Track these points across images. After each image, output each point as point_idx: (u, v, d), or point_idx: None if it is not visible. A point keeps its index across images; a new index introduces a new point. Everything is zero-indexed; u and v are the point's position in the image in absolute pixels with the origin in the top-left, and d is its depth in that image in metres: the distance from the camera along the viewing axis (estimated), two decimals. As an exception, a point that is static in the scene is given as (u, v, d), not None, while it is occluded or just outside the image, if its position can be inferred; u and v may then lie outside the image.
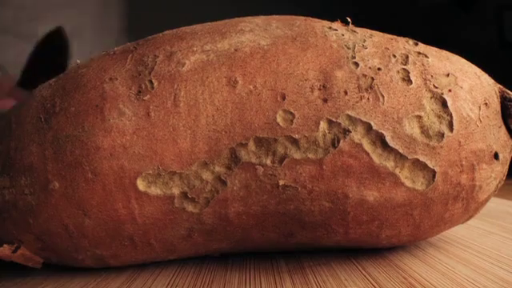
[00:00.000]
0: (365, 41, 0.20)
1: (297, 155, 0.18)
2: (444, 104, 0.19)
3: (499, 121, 0.21)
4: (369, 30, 0.22)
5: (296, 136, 0.18)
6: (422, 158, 0.19)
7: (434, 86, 0.19)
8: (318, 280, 0.20)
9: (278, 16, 0.22)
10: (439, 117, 0.19)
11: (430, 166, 0.19)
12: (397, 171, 0.19)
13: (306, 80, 0.19)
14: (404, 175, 0.19)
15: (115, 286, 0.20)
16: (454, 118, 0.19)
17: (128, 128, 0.18)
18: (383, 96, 0.19)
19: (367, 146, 0.18)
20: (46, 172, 0.19)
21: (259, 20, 0.22)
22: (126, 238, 0.20)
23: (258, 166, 0.18)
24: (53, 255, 0.21)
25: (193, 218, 0.19)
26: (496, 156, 0.20)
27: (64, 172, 0.19)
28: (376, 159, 0.19)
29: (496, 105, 0.21)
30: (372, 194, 0.19)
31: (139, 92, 0.19)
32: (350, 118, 0.18)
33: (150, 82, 0.19)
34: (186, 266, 0.22)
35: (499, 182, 0.22)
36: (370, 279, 0.20)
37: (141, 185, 0.19)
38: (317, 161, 0.18)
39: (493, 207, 0.34)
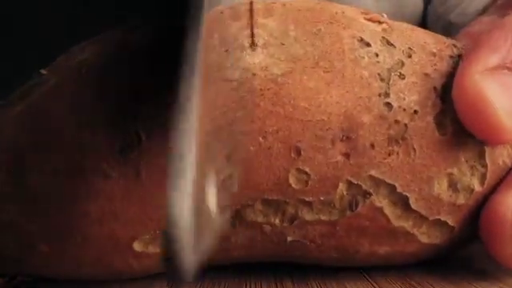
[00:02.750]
0: (403, 65, 0.17)
1: (308, 217, 0.17)
2: (481, 155, 0.17)
3: None
4: (409, 36, 0.18)
5: (309, 199, 0.16)
6: (443, 218, 0.17)
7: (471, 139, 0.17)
8: (319, 282, 0.20)
9: (296, 6, 0.18)
10: (472, 169, 0.17)
11: (450, 223, 0.17)
12: (414, 230, 0.17)
13: (327, 130, 0.16)
14: (420, 232, 0.17)
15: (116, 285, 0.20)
16: (489, 170, 0.17)
17: (116, 193, 0.16)
18: (415, 150, 0.16)
19: (387, 209, 0.17)
20: (32, 234, 0.17)
21: (274, 22, 0.17)
22: (125, 276, 0.19)
23: (264, 225, 0.17)
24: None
25: None
26: None
27: (51, 235, 0.17)
28: (394, 221, 0.17)
29: None
30: (384, 249, 0.18)
31: (124, 148, 0.16)
32: (373, 179, 0.16)
33: (137, 134, 0.16)
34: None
35: None
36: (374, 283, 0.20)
37: (137, 247, 0.17)
38: (330, 222, 0.17)
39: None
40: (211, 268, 0.21)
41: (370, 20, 0.18)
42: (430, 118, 0.16)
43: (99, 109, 0.16)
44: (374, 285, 0.19)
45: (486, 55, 0.16)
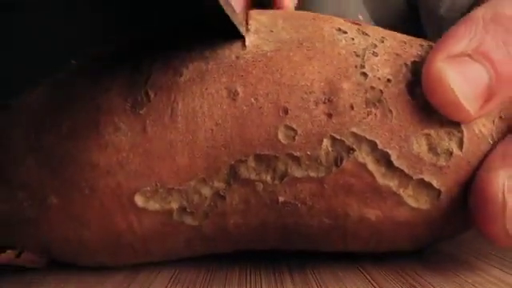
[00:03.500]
0: (376, 46, 0.19)
1: (298, 173, 0.18)
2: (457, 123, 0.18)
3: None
4: (381, 31, 0.21)
5: (297, 154, 0.18)
6: (427, 179, 0.18)
7: None
8: (319, 280, 0.20)
9: (285, 12, 0.22)
10: (449, 134, 0.18)
11: (436, 186, 0.18)
12: (400, 191, 0.18)
13: (310, 93, 0.18)
14: (407, 194, 0.18)
15: (114, 284, 0.20)
16: (465, 136, 0.18)
17: (124, 144, 0.18)
18: (391, 111, 0.18)
19: (371, 166, 0.18)
20: (44, 188, 0.19)
21: (265, 18, 0.20)
22: (125, 246, 0.20)
23: (257, 183, 0.18)
24: (57, 257, 0.21)
25: (192, 229, 0.19)
26: None
27: (61, 188, 0.18)
28: (379, 179, 0.18)
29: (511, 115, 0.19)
30: (373, 213, 0.18)
31: (135, 105, 0.18)
32: (354, 135, 0.18)
33: (146, 93, 0.18)
34: (185, 266, 0.22)
35: None
36: (371, 280, 0.19)
37: (139, 201, 0.18)
38: (318, 179, 0.18)
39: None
40: (210, 256, 0.22)
41: (347, 21, 0.21)
42: (402, 86, 0.18)
43: (116, 74, 0.19)
44: (373, 283, 0.19)
45: (450, 44, 0.18)
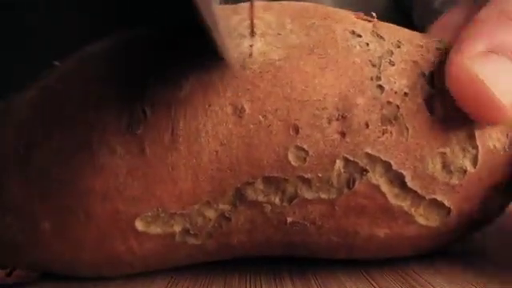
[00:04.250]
0: (392, 53, 0.18)
1: (308, 195, 0.17)
2: (471, 136, 0.18)
3: None
4: (396, 31, 0.19)
5: (308, 176, 0.17)
6: (439, 198, 0.18)
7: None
8: (319, 282, 0.19)
9: (293, 6, 0.19)
10: (463, 150, 0.17)
11: (447, 204, 0.18)
12: (412, 210, 0.18)
13: (323, 109, 0.17)
14: (418, 213, 0.18)
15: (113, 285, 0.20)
16: (480, 152, 0.17)
17: (121, 168, 0.17)
18: (407, 129, 0.17)
19: (384, 187, 0.17)
20: (34, 213, 0.17)
21: (272, 17, 0.19)
22: (125, 266, 0.19)
23: (265, 204, 0.17)
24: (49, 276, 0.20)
25: (195, 247, 0.18)
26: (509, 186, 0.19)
27: (54, 213, 0.17)
28: (391, 199, 0.17)
29: None
30: (383, 231, 0.18)
31: (130, 124, 0.17)
32: (369, 156, 0.17)
33: (143, 111, 0.17)
34: (184, 270, 0.22)
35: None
36: (372, 281, 0.19)
37: (139, 226, 0.17)
38: (329, 201, 0.17)
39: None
40: (210, 263, 0.21)
41: (359, 18, 0.19)
42: (420, 100, 0.17)
43: (108, 87, 0.17)
44: (373, 283, 0.19)
45: (470, 44, 0.17)
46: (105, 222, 0.17)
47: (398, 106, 0.17)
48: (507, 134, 0.18)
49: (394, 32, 0.19)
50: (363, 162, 0.17)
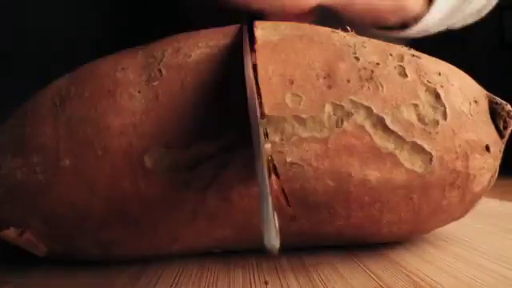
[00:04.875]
0: (364, 42, 0.22)
1: (304, 134, 0.19)
2: (437, 97, 0.21)
3: (488, 119, 0.22)
4: (367, 37, 0.24)
5: (303, 116, 0.19)
6: (419, 142, 0.20)
7: (427, 81, 0.21)
8: (322, 277, 0.20)
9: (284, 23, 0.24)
10: (434, 107, 0.20)
11: (427, 149, 0.20)
12: (396, 152, 0.20)
13: (312, 69, 0.20)
14: (403, 157, 0.20)
15: (119, 284, 0.20)
16: (448, 108, 0.21)
17: (138, 109, 0.19)
18: (382, 86, 0.20)
19: (369, 128, 0.20)
20: (58, 150, 0.20)
21: (268, 23, 0.23)
22: (131, 220, 0.20)
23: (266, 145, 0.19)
24: (57, 243, 0.21)
25: (197, 197, 0.20)
26: (487, 148, 0.21)
27: (75, 150, 0.19)
28: (377, 140, 0.20)
29: (484, 105, 0.22)
30: (373, 174, 0.20)
31: (149, 79, 0.20)
32: (352, 102, 0.20)
33: (159, 70, 0.20)
34: (189, 265, 0.22)
35: (492, 177, 0.22)
36: (374, 276, 0.20)
37: (148, 162, 0.19)
38: (322, 139, 0.19)
39: (494, 208, 0.34)
40: (214, 257, 0.22)
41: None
42: (390, 68, 0.21)
43: (133, 58, 0.21)
44: (375, 279, 0.20)
45: None
46: (118, 156, 0.19)
47: (372, 71, 0.20)
48: (469, 103, 0.21)
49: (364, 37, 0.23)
50: (348, 107, 0.20)
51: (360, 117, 0.20)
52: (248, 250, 0.23)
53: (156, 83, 0.20)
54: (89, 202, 0.20)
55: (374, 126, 0.20)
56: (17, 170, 0.20)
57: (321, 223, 0.21)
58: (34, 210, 0.20)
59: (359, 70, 0.20)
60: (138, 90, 0.20)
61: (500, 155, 0.22)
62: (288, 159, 0.19)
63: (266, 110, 0.19)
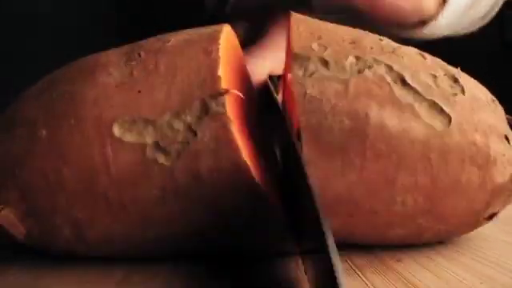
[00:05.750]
0: (381, 40, 0.23)
1: (326, 73, 0.20)
2: (455, 80, 0.21)
3: (505, 120, 0.22)
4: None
5: (327, 58, 0.20)
6: (438, 101, 0.20)
7: (445, 68, 0.22)
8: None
9: None
10: (451, 86, 0.21)
11: (446, 110, 0.20)
12: (416, 105, 0.20)
13: (339, 36, 0.22)
14: (422, 111, 0.20)
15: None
16: (466, 88, 0.21)
17: (112, 84, 0.21)
18: (403, 57, 0.21)
19: (389, 79, 0.20)
20: (37, 122, 0.21)
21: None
22: (100, 195, 0.20)
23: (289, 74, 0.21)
24: (34, 224, 0.21)
25: (165, 172, 0.20)
26: (507, 138, 0.21)
27: (52, 121, 0.21)
28: (396, 91, 0.20)
29: (501, 109, 0.22)
30: (391, 120, 0.20)
31: (127, 60, 0.21)
32: (374, 59, 0.21)
33: (139, 54, 0.22)
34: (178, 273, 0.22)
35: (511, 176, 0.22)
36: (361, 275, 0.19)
37: (117, 131, 0.20)
38: (343, 80, 0.20)
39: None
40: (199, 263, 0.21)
41: None
42: (411, 51, 0.23)
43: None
44: (367, 282, 0.19)
45: None
46: (89, 125, 0.20)
47: (394, 48, 0.22)
48: (487, 96, 0.22)
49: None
50: (370, 61, 0.20)
51: (381, 69, 0.20)
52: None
53: (133, 63, 0.21)
54: (60, 172, 0.20)
55: (394, 80, 0.20)
56: (2, 144, 0.21)
57: (332, 176, 0.20)
58: (12, 182, 0.21)
59: (382, 47, 0.22)
60: (116, 69, 0.21)
61: None
62: (308, 91, 0.20)
63: (294, 50, 0.21)
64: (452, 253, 0.23)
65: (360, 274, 0.20)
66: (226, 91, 0.19)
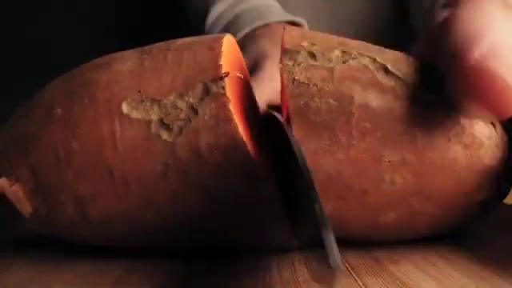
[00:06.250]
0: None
1: (313, 63, 0.22)
2: None
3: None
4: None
5: (315, 52, 0.22)
6: (419, 86, 0.21)
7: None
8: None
9: None
10: None
11: (429, 94, 0.21)
12: (397, 88, 0.21)
13: (328, 37, 0.24)
14: (404, 94, 0.21)
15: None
16: None
17: (125, 71, 0.23)
18: (387, 52, 0.23)
19: (372, 67, 0.22)
20: (54, 102, 0.23)
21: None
22: (105, 170, 0.21)
23: (279, 65, 0.23)
24: (41, 202, 0.23)
25: (167, 148, 0.21)
26: (493, 124, 0.22)
27: (67, 102, 0.22)
28: (379, 77, 0.22)
29: None
30: (375, 100, 0.21)
31: (140, 55, 0.23)
32: (359, 53, 0.22)
33: (150, 49, 0.24)
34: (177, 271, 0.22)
35: (500, 162, 0.22)
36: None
37: (125, 108, 0.22)
38: (329, 68, 0.22)
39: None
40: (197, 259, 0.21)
41: None
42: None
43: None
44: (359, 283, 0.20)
45: (470, 43, 0.19)
46: (100, 104, 0.22)
47: (379, 48, 0.23)
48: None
49: None
50: (355, 53, 0.22)
51: (364, 60, 0.22)
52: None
53: (145, 56, 0.23)
54: (70, 147, 0.22)
55: (377, 69, 0.22)
56: (20, 125, 0.23)
57: (320, 153, 0.21)
58: (25, 159, 0.23)
59: (368, 47, 0.23)
60: (129, 60, 0.23)
61: (505, 145, 0.22)
62: (296, 77, 0.22)
63: (285, 46, 0.22)
64: (449, 254, 0.23)
65: (354, 276, 0.20)
66: (226, 74, 0.21)
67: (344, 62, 0.22)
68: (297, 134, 0.21)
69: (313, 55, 0.22)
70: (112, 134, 0.21)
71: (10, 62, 0.74)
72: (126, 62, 0.23)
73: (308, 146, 0.21)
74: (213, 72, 0.21)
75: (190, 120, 0.21)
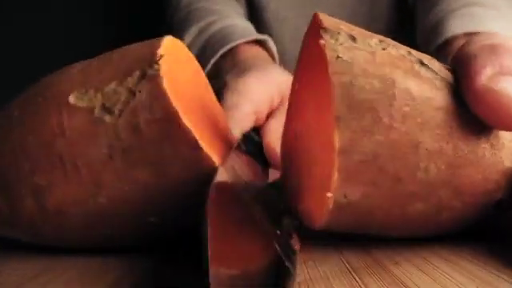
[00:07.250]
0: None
1: (355, 44, 0.22)
2: None
3: None
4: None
5: (355, 36, 0.22)
6: (453, 83, 0.22)
7: None
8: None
9: None
10: None
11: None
12: (435, 81, 0.22)
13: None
14: (442, 86, 0.22)
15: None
16: None
17: (74, 72, 0.25)
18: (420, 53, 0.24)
19: (409, 58, 0.22)
20: (12, 105, 0.25)
21: None
22: (56, 157, 0.23)
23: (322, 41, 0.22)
24: (3, 200, 0.24)
25: (110, 130, 0.22)
26: None
27: (24, 103, 0.25)
28: (416, 68, 0.22)
29: None
30: (415, 88, 0.21)
31: (91, 60, 0.26)
32: (396, 45, 0.23)
33: (100, 53, 0.26)
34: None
35: None
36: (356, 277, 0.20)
37: (72, 99, 0.23)
38: (370, 52, 0.22)
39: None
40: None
41: None
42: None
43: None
44: (358, 281, 0.20)
45: (479, 70, 0.21)
46: (52, 101, 0.24)
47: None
48: None
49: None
50: (392, 44, 0.23)
51: (401, 50, 0.22)
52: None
53: (94, 59, 0.26)
54: (26, 141, 0.24)
55: (414, 61, 0.22)
56: None
57: (360, 132, 0.21)
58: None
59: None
60: (80, 64, 0.26)
61: None
62: (340, 55, 0.21)
63: (324, 25, 0.22)
64: (451, 255, 0.22)
65: (355, 277, 0.20)
66: (161, 57, 0.23)
67: (383, 49, 0.22)
68: (339, 110, 0.20)
69: (353, 38, 0.22)
70: (60, 124, 0.23)
71: (10, 62, 0.74)
72: (77, 66, 0.25)
73: (349, 123, 0.20)
74: (150, 59, 0.23)
75: (128, 102, 0.23)
